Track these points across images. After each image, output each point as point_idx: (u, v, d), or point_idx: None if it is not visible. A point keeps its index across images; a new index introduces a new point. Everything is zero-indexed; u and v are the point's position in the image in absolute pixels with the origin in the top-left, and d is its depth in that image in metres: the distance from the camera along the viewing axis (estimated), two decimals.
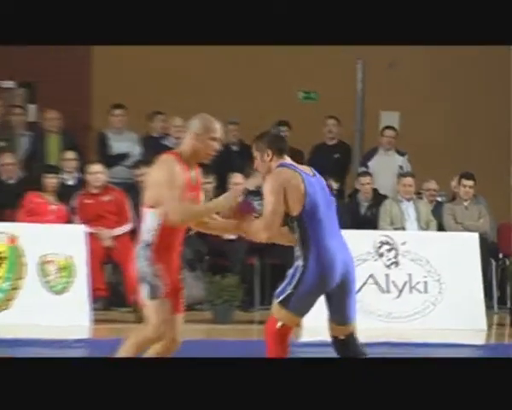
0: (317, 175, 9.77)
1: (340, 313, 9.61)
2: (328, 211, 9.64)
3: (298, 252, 9.53)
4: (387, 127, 19.65)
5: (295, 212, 9.43)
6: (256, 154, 9.74)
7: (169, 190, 9.46)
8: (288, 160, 9.66)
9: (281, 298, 9.48)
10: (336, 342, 9.66)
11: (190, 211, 9.63)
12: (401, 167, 18.72)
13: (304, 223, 9.46)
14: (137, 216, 16.82)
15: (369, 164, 19.08)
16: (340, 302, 9.58)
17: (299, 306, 9.48)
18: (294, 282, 9.46)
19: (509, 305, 17.57)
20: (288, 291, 9.47)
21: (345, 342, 9.65)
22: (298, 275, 9.46)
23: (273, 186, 9.49)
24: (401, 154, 19.24)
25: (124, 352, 9.60)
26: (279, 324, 9.52)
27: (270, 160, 9.59)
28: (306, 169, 9.76)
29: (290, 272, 9.58)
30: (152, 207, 9.66)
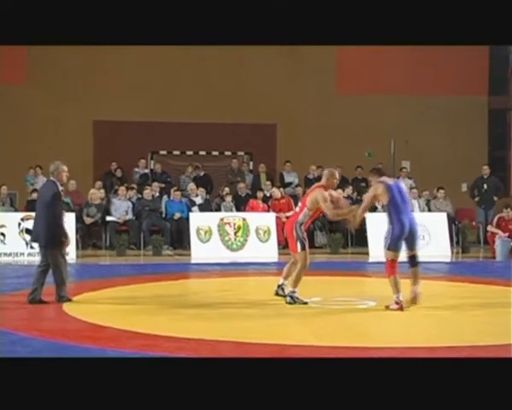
0: (398, 182, 9.51)
1: (411, 244, 9.20)
2: (402, 201, 9.21)
3: (388, 222, 9.19)
4: (403, 168, 19.50)
5: (385, 202, 9.24)
6: (371, 175, 9.57)
7: (324, 202, 9.48)
8: (382, 178, 9.33)
9: (385, 246, 9.18)
10: (409, 257, 9.29)
11: (332, 210, 9.52)
12: (410, 185, 18.62)
13: (389, 208, 9.16)
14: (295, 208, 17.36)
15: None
16: (410, 240, 9.18)
17: (392, 247, 9.12)
18: (389, 237, 9.14)
19: (460, 245, 17.13)
20: (388, 242, 9.14)
21: (412, 258, 9.27)
22: (390, 234, 9.13)
23: (369, 192, 9.48)
24: (410, 178, 18.85)
25: (299, 271, 9.45)
26: (387, 258, 9.19)
27: (375, 178, 9.39)
28: (390, 180, 9.42)
29: (385, 232, 9.26)
30: (308, 208, 9.62)
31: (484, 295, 10.57)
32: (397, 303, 9.17)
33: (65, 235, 9.31)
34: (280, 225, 16.30)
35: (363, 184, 18.95)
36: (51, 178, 9.35)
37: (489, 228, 16.35)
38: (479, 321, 8.61)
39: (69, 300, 9.33)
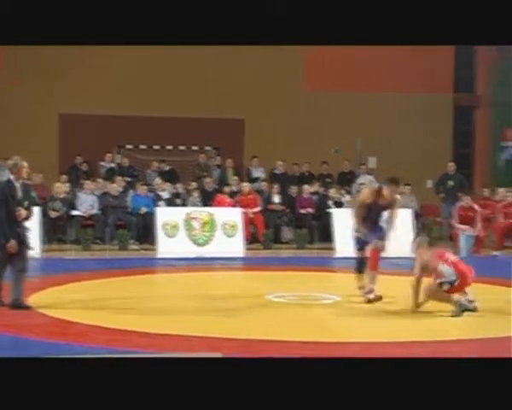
0: None
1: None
2: None
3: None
4: (362, 163, 19.52)
5: None
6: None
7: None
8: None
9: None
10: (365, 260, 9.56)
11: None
12: (370, 181, 18.42)
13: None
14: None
15: (360, 178, 18.73)
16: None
17: None
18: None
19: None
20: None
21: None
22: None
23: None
24: (370, 174, 18.73)
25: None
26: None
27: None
28: None
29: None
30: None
31: None
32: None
33: (4, 236, 8.58)
34: (247, 221, 16.39)
35: (328, 180, 19.01)
36: (10, 176, 8.80)
37: (453, 223, 16.46)
38: (448, 316, 8.63)
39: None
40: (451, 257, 8.84)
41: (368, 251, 9.63)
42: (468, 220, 15.96)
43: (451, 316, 8.46)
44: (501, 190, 16.91)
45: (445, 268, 8.64)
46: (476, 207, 16.11)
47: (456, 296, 8.64)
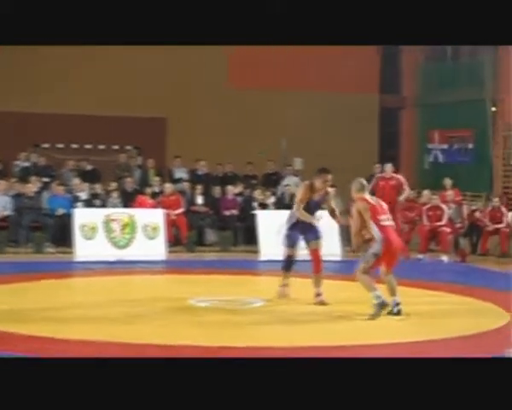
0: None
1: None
2: None
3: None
4: (288, 164, 19.54)
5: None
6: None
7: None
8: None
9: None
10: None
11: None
12: (295, 182, 18.04)
13: None
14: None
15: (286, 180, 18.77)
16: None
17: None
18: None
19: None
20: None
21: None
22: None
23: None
24: (296, 176, 18.81)
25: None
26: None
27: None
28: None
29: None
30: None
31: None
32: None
33: None
34: (169, 223, 16.19)
35: (253, 181, 18.94)
36: None
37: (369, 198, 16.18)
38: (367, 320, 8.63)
39: None
40: (385, 222, 8.66)
41: (310, 253, 9.61)
42: (388, 191, 15.18)
43: (368, 319, 8.42)
44: (426, 193, 17.01)
45: (374, 229, 8.54)
46: (400, 177, 15.67)
47: (379, 292, 8.51)
